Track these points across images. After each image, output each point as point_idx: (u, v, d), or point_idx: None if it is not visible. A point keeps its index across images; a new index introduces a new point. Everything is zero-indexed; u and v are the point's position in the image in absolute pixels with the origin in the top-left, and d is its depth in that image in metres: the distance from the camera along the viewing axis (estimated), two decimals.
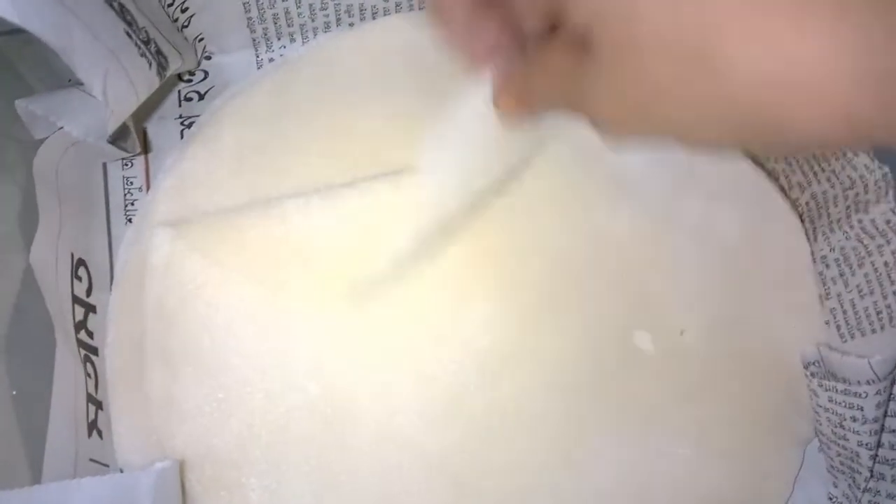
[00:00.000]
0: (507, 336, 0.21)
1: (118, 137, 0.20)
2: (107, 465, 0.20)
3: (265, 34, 0.23)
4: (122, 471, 0.20)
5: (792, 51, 0.13)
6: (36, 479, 0.17)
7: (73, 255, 0.20)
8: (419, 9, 0.24)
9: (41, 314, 0.19)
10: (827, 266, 0.23)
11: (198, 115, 0.23)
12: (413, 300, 0.21)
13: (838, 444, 0.21)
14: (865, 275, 0.22)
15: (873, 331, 0.22)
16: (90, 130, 0.18)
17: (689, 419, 0.22)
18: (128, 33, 0.19)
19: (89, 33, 0.17)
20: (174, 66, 0.21)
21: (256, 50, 0.24)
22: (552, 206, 0.22)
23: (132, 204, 0.23)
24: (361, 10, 0.23)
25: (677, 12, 0.14)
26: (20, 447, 0.18)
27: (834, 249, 0.23)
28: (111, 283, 0.22)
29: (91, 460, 0.19)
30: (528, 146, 0.22)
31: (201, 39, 0.23)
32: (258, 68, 0.24)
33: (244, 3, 0.22)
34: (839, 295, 0.23)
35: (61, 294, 0.20)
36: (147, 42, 0.19)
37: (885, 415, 0.20)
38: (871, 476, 0.21)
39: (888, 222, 0.21)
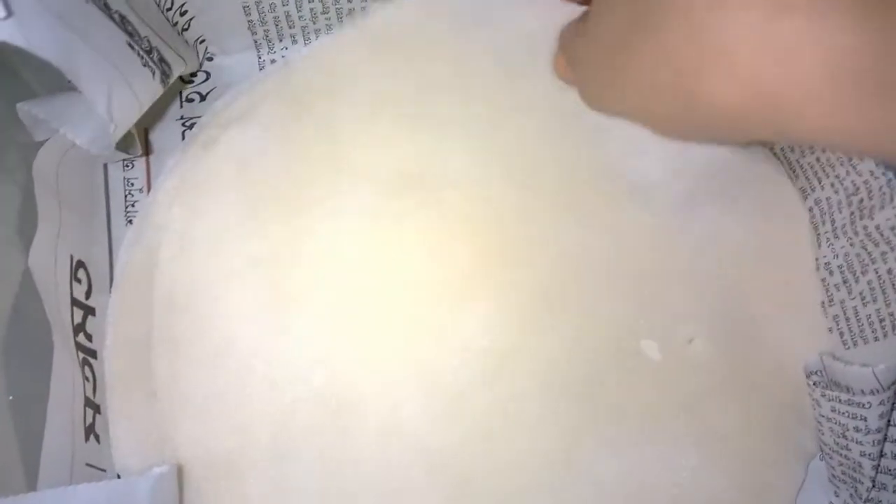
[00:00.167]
0: (510, 336, 0.21)
1: (120, 140, 0.20)
2: (104, 470, 0.20)
3: (266, 36, 0.23)
4: (119, 475, 0.20)
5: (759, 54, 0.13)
6: (31, 484, 0.17)
7: (72, 258, 0.20)
8: None
9: (39, 317, 0.18)
10: (830, 273, 0.23)
11: (199, 117, 0.23)
12: (417, 297, 0.21)
13: (840, 454, 0.21)
14: (869, 282, 0.22)
15: (876, 338, 0.21)
16: (94, 141, 0.18)
17: (691, 428, 0.22)
18: (130, 45, 0.18)
19: (93, 50, 0.17)
20: (177, 72, 0.21)
21: (258, 51, 0.24)
22: (560, 208, 0.22)
23: (133, 205, 0.23)
24: (363, 13, 0.23)
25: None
26: (16, 453, 0.18)
27: (837, 256, 0.23)
28: (111, 285, 0.22)
29: (88, 465, 0.19)
30: None
31: (202, 41, 0.23)
32: (260, 69, 0.24)
33: (244, 7, 0.22)
34: (842, 302, 0.22)
35: (60, 297, 0.20)
36: (149, 51, 0.19)
37: (888, 425, 0.20)
38: (873, 486, 0.20)
39: (893, 229, 0.21)
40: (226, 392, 0.20)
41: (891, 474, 0.20)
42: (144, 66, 0.19)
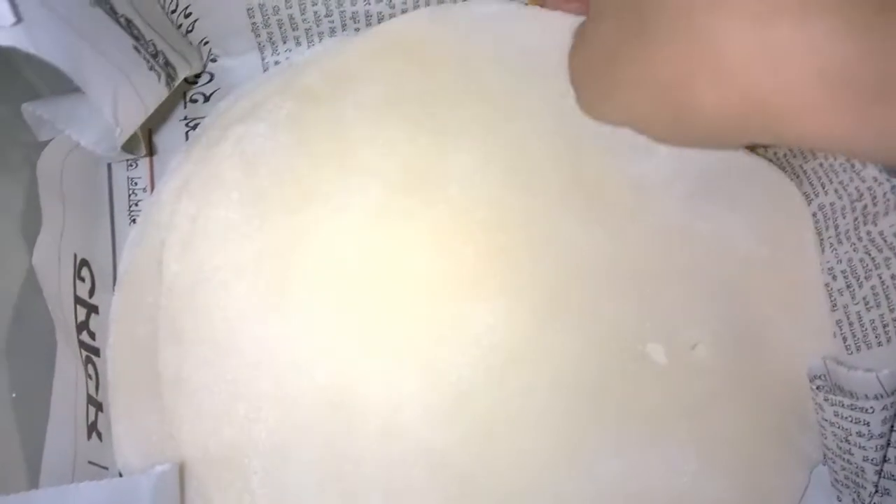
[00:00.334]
0: (516, 335, 0.21)
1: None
2: (106, 468, 0.20)
3: (270, 38, 0.23)
4: (121, 473, 0.20)
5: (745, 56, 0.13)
6: (33, 481, 0.17)
7: (76, 256, 0.21)
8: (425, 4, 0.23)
9: (42, 316, 0.19)
10: (833, 278, 0.23)
11: (203, 117, 0.23)
12: (421, 295, 0.21)
13: (843, 459, 0.21)
14: (872, 287, 0.22)
15: (879, 343, 0.21)
16: (99, 143, 0.19)
17: (694, 433, 0.22)
18: (136, 48, 0.19)
19: (99, 55, 0.17)
20: (182, 75, 0.21)
21: (262, 53, 0.24)
22: (564, 210, 0.22)
23: (136, 205, 0.23)
24: (367, 17, 0.23)
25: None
26: (18, 450, 0.18)
27: (841, 261, 0.23)
28: (114, 285, 0.22)
29: (90, 462, 0.19)
30: None
31: (206, 43, 0.23)
32: (264, 71, 0.24)
33: (248, 9, 0.22)
34: (845, 307, 0.22)
35: (63, 295, 0.20)
36: (155, 55, 0.19)
37: (891, 430, 0.20)
38: (876, 491, 0.20)
39: None
40: (229, 388, 0.21)
41: (894, 479, 0.20)
42: (150, 69, 0.19)
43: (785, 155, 0.24)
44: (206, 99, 0.24)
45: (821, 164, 0.23)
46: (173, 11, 0.21)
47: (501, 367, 0.21)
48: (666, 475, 0.21)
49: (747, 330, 0.22)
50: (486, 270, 0.22)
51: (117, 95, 0.18)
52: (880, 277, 0.21)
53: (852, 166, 0.22)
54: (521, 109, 0.22)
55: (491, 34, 0.23)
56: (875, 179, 0.21)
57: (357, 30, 0.24)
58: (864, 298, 0.22)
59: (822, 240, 0.23)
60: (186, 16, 0.22)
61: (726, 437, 0.22)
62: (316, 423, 0.20)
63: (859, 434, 0.20)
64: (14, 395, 0.18)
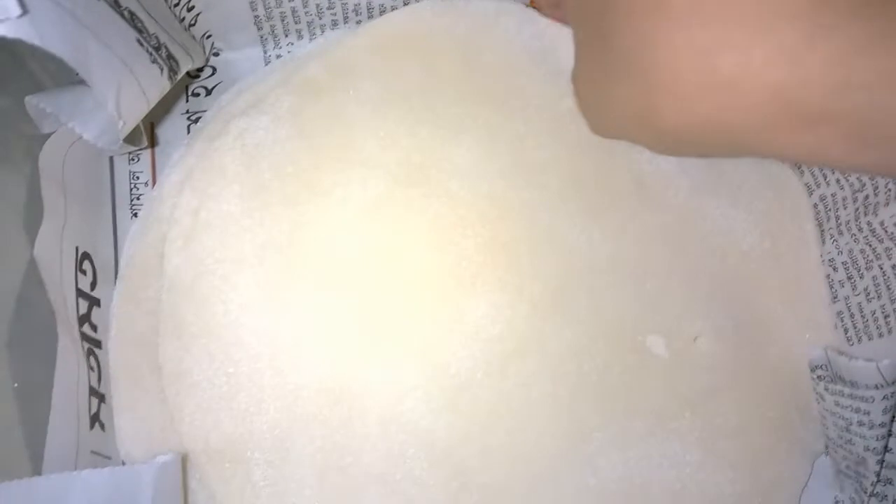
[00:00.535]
0: (517, 328, 0.21)
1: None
2: (109, 458, 0.20)
3: (272, 31, 0.23)
4: (123, 463, 0.20)
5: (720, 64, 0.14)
6: (36, 470, 0.18)
7: (77, 249, 0.21)
8: None
9: (44, 307, 0.19)
10: (834, 269, 0.23)
11: (205, 111, 0.24)
12: (423, 288, 0.21)
13: (844, 449, 0.21)
14: (873, 278, 0.22)
15: (880, 335, 0.21)
16: (101, 135, 0.19)
17: (696, 425, 0.22)
18: (139, 41, 0.19)
19: (103, 47, 0.17)
20: (184, 68, 0.21)
21: (264, 47, 0.24)
22: (565, 205, 0.22)
23: (138, 198, 0.23)
24: (369, 9, 0.23)
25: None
26: (21, 439, 0.18)
27: (842, 252, 0.23)
28: (116, 277, 0.22)
29: (93, 452, 0.19)
30: None
31: (209, 36, 0.23)
32: (266, 65, 0.24)
33: (251, 3, 0.22)
34: (846, 298, 0.22)
35: (65, 287, 0.20)
36: (158, 48, 0.20)
37: (892, 420, 0.20)
38: (878, 480, 0.20)
39: None
40: (230, 381, 0.21)
41: (895, 469, 0.20)
42: (153, 62, 0.19)
43: None
44: (209, 92, 0.24)
45: None
46: (176, 5, 0.21)
47: (502, 360, 0.21)
48: (668, 467, 0.21)
49: (748, 322, 0.22)
50: (486, 264, 0.22)
51: (120, 88, 0.18)
52: (881, 268, 0.21)
53: None
54: (520, 107, 0.23)
55: (492, 31, 0.23)
56: None
57: (359, 22, 0.24)
58: (864, 289, 0.22)
59: (823, 231, 0.23)
60: (189, 9, 0.22)
61: (728, 429, 0.22)
62: (316, 416, 0.20)
63: (860, 423, 0.20)
64: (16, 385, 0.18)
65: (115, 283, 0.22)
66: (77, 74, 0.18)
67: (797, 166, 0.24)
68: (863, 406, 0.20)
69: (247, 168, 0.22)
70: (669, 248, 0.22)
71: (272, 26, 0.23)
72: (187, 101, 0.24)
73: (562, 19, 0.22)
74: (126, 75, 0.18)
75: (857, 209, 0.22)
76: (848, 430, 0.20)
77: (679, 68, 0.14)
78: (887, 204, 0.21)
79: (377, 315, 0.21)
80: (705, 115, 0.14)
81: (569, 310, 0.22)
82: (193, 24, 0.22)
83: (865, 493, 0.21)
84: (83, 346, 0.20)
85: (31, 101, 0.19)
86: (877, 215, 0.21)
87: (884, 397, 0.19)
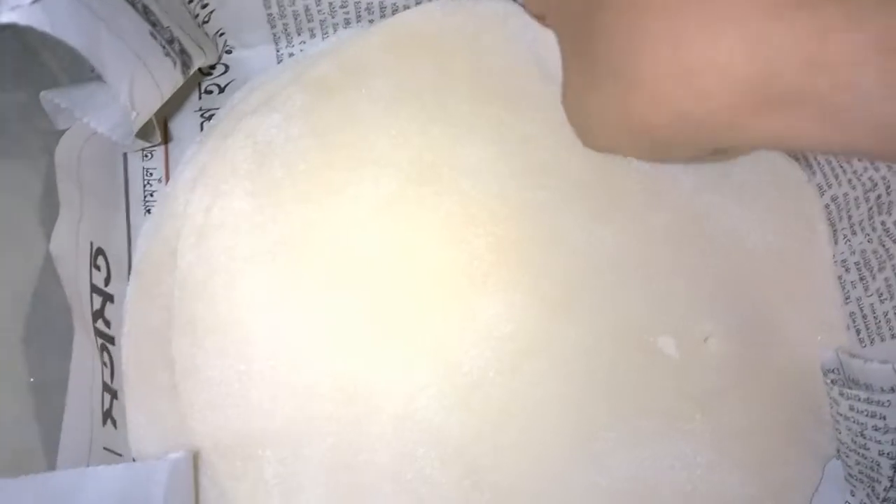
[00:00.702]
0: (528, 327, 0.21)
1: (140, 129, 0.21)
2: (120, 455, 0.20)
3: (285, 29, 0.23)
4: (134, 460, 0.20)
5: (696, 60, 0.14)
6: (51, 465, 0.18)
7: (92, 245, 0.21)
8: None
9: (60, 302, 0.19)
10: (847, 270, 0.23)
11: (217, 108, 0.24)
12: (435, 286, 0.21)
13: (858, 453, 0.21)
14: (886, 279, 0.21)
15: (893, 336, 0.21)
16: (115, 128, 0.19)
17: (706, 426, 0.21)
18: (152, 34, 0.19)
19: (116, 38, 0.17)
20: (197, 63, 0.21)
21: (277, 45, 0.24)
22: (580, 202, 0.22)
23: (151, 195, 0.23)
24: (382, 8, 0.23)
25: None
26: (36, 434, 0.18)
27: (854, 252, 0.22)
28: (129, 274, 0.22)
29: (105, 448, 0.19)
30: None
31: (222, 34, 0.23)
32: (278, 63, 0.24)
33: (264, 1, 0.22)
34: (858, 299, 0.22)
35: (80, 283, 0.20)
36: (171, 42, 0.20)
37: None
38: (892, 485, 0.20)
39: None
40: (243, 379, 0.21)
41: None
42: (166, 55, 0.19)
43: None
44: (221, 90, 0.24)
45: (835, 155, 0.23)
46: (190, 1, 0.21)
47: (513, 358, 0.21)
48: (678, 468, 0.21)
49: (759, 323, 0.22)
50: (498, 263, 0.22)
51: (133, 79, 0.18)
52: (894, 269, 0.21)
53: None
54: (528, 106, 0.23)
55: (500, 32, 0.23)
56: (890, 168, 0.21)
57: (371, 21, 0.24)
58: (877, 290, 0.22)
59: (835, 231, 0.23)
60: (203, 6, 0.22)
61: (739, 431, 0.22)
62: (328, 414, 0.20)
63: (875, 428, 0.20)
64: (32, 380, 0.18)
65: (128, 278, 0.22)
66: (92, 70, 0.18)
67: (809, 165, 0.24)
68: (878, 410, 0.19)
69: (258, 166, 0.22)
70: (679, 248, 0.22)
71: (285, 24, 0.23)
72: (200, 98, 0.24)
73: (550, 27, 0.23)
74: (139, 67, 0.18)
75: (871, 208, 0.22)
76: (862, 435, 0.20)
77: (649, 64, 0.15)
78: None
79: (389, 313, 0.21)
80: (677, 110, 0.15)
81: (580, 309, 0.22)
82: (207, 21, 0.22)
83: (878, 497, 0.20)
84: (97, 342, 0.20)
85: (46, 96, 0.19)
86: (890, 214, 0.21)
87: None
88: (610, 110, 0.16)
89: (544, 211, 0.22)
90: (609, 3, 0.16)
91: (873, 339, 0.22)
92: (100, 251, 0.21)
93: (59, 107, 0.19)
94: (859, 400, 0.20)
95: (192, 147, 0.23)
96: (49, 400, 0.18)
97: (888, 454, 0.20)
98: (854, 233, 0.22)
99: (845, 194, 0.23)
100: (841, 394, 0.21)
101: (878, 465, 0.20)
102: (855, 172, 0.22)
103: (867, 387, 0.20)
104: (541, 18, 0.23)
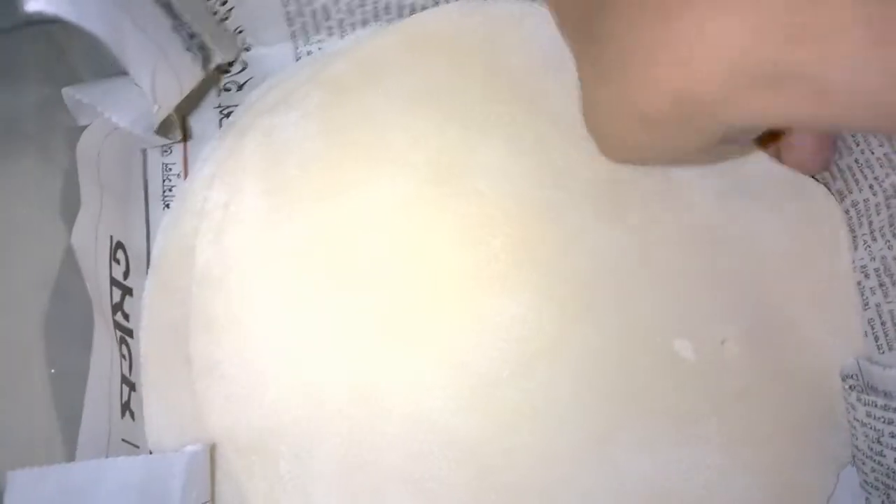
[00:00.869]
0: (543, 329, 0.21)
1: (160, 125, 0.21)
2: (137, 446, 0.20)
3: (303, 28, 0.24)
4: (151, 452, 0.21)
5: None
6: (70, 456, 0.18)
7: (111, 238, 0.21)
8: None
9: (81, 294, 0.19)
10: (866, 276, 0.22)
11: (236, 105, 0.24)
12: (450, 286, 0.21)
13: (874, 460, 0.21)
14: None
15: None
16: (136, 122, 0.19)
17: (723, 430, 0.21)
18: (174, 28, 0.19)
19: (139, 30, 0.17)
20: (217, 60, 0.21)
21: (295, 43, 0.24)
22: (596, 203, 0.22)
23: (170, 190, 0.23)
24: (400, 8, 0.23)
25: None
26: (56, 424, 0.18)
27: (874, 259, 0.22)
28: (147, 268, 0.22)
29: (123, 440, 0.19)
30: None
31: (240, 31, 0.23)
32: (296, 61, 0.24)
33: None
34: (878, 305, 0.22)
35: (100, 276, 0.20)
36: (192, 36, 0.20)
37: None
38: None
39: None
40: (258, 377, 0.21)
41: None
42: (187, 50, 0.19)
43: None
44: (240, 87, 0.24)
45: (856, 160, 0.22)
46: None
47: (528, 360, 0.21)
48: (693, 472, 0.21)
49: (776, 327, 0.22)
50: (514, 264, 0.22)
51: (155, 72, 0.18)
52: None
53: (889, 161, 0.21)
54: (543, 107, 0.23)
55: (515, 32, 0.23)
56: None
57: (389, 21, 0.24)
58: None
59: (855, 237, 0.23)
60: (223, 3, 0.22)
61: (755, 435, 0.21)
62: (342, 413, 0.21)
63: (892, 435, 0.20)
64: (53, 371, 0.18)
65: (146, 273, 0.22)
66: (114, 66, 0.18)
67: (829, 171, 0.23)
68: None
69: (274, 164, 0.22)
70: (695, 251, 0.22)
71: (303, 23, 0.23)
72: (219, 95, 0.24)
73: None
74: (161, 60, 0.18)
75: (892, 214, 0.22)
76: (879, 442, 0.20)
77: (646, 48, 0.15)
78: None
79: (403, 313, 0.21)
80: (675, 91, 0.15)
81: (595, 311, 0.22)
82: (226, 19, 0.23)
83: None
84: (116, 335, 0.20)
85: (67, 92, 0.20)
86: None
87: None
88: (618, 102, 0.16)
89: (561, 211, 0.22)
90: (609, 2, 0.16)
91: (892, 346, 0.22)
92: (119, 245, 0.21)
93: (81, 102, 0.20)
94: (877, 406, 0.20)
95: (211, 144, 0.23)
96: (69, 391, 0.18)
97: None
98: (874, 239, 0.22)
99: (866, 200, 0.22)
100: (859, 399, 0.21)
101: (894, 472, 0.20)
102: (876, 178, 0.22)
103: (885, 394, 0.20)
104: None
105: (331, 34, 0.24)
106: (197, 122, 0.24)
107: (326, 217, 0.22)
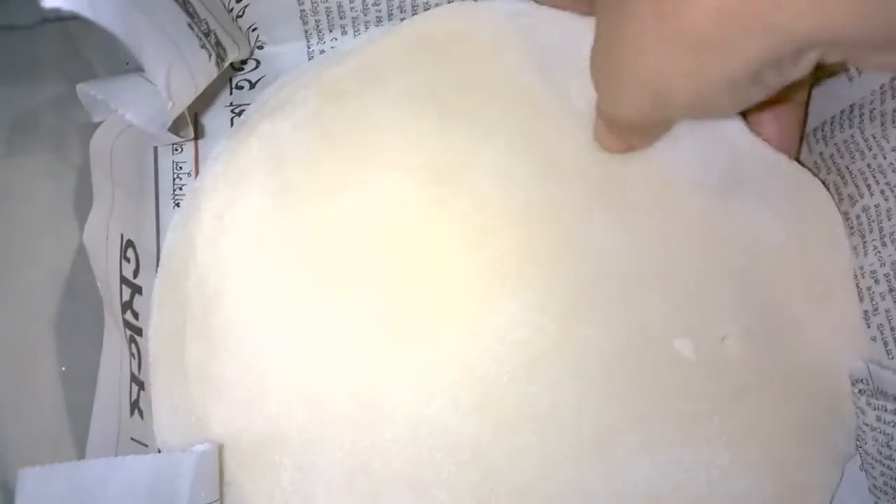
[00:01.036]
0: (546, 330, 0.21)
1: (172, 123, 0.21)
2: (146, 445, 0.20)
3: (317, 26, 0.24)
4: (159, 451, 0.20)
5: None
6: (80, 454, 0.18)
7: (122, 237, 0.21)
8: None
9: (92, 292, 0.19)
10: (876, 281, 0.23)
11: (248, 104, 0.24)
12: (451, 288, 0.21)
13: (883, 465, 0.21)
14: None
15: None
16: (150, 120, 0.19)
17: (724, 429, 0.21)
18: (190, 25, 0.19)
19: (155, 27, 0.17)
20: (231, 57, 0.21)
21: (308, 41, 0.24)
22: (597, 203, 0.22)
23: (180, 189, 0.23)
24: (414, 6, 0.23)
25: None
26: (66, 423, 0.18)
27: (885, 264, 0.22)
28: (157, 266, 0.22)
29: (132, 439, 0.19)
30: None
31: (254, 29, 0.23)
32: (309, 59, 0.24)
33: None
34: (887, 311, 0.22)
35: (110, 274, 0.20)
36: (207, 34, 0.20)
37: None
38: None
39: None
40: (258, 385, 0.21)
41: None
42: (202, 47, 0.19)
43: (832, 155, 0.24)
44: (252, 86, 0.24)
45: (868, 165, 0.22)
46: None
47: (530, 362, 0.21)
48: (696, 471, 0.21)
49: (776, 325, 0.22)
50: (515, 265, 0.21)
51: (171, 69, 0.18)
52: None
53: None
54: (543, 107, 0.23)
55: (516, 32, 0.23)
56: None
57: (402, 19, 0.24)
58: None
59: (865, 242, 0.23)
60: (238, 0, 0.22)
61: (757, 433, 0.21)
62: (344, 419, 0.20)
63: None
64: (63, 368, 0.18)
65: (156, 271, 0.22)
66: (128, 64, 0.18)
67: (840, 175, 0.23)
68: None
69: (275, 167, 0.22)
70: (695, 249, 0.22)
71: (317, 21, 0.23)
72: (231, 94, 0.24)
73: (574, 7, 0.23)
74: (176, 57, 0.18)
75: None
76: (888, 446, 0.20)
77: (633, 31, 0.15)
78: None
79: (404, 316, 0.21)
80: (720, 7, 0.14)
81: (597, 312, 0.22)
82: (241, 16, 0.23)
83: None
84: (126, 333, 0.20)
85: (82, 88, 0.19)
86: None
87: None
88: (655, 26, 0.16)
89: (563, 212, 0.22)
90: None
91: None
92: (129, 243, 0.21)
93: (95, 99, 0.19)
94: (886, 411, 0.20)
95: (221, 143, 0.23)
96: (79, 389, 0.18)
97: None
98: (884, 244, 0.22)
99: (877, 205, 0.22)
100: (868, 404, 0.21)
101: None
102: (888, 184, 0.22)
103: (895, 398, 0.20)
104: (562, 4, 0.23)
105: (344, 33, 0.24)
106: (209, 120, 0.24)
107: (327, 220, 0.22)
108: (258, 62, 0.24)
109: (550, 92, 0.23)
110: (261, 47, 0.24)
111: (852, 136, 0.23)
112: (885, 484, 0.21)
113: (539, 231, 0.22)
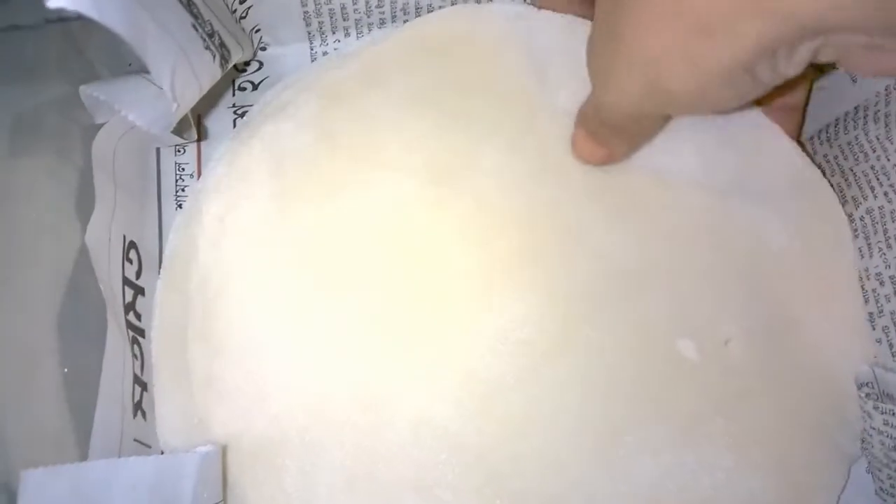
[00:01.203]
0: (548, 331, 0.21)
1: (175, 124, 0.21)
2: (149, 446, 0.20)
3: (320, 28, 0.24)
4: (162, 452, 0.20)
5: None
6: (83, 455, 0.18)
7: (124, 238, 0.21)
8: (476, 1, 0.24)
9: (95, 294, 0.19)
10: (881, 283, 0.22)
11: (251, 105, 0.24)
12: (452, 289, 0.21)
13: (890, 468, 0.20)
14: None
15: None
16: (154, 121, 0.19)
17: (729, 430, 0.21)
18: (194, 26, 0.19)
19: (160, 28, 0.17)
20: (235, 58, 0.21)
21: (311, 43, 0.24)
22: (594, 208, 0.22)
23: (183, 190, 0.23)
24: (417, 8, 0.23)
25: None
26: (69, 423, 0.18)
27: (889, 266, 0.22)
28: (160, 267, 0.22)
29: (135, 440, 0.19)
30: None
31: (258, 31, 0.23)
32: (312, 61, 0.24)
33: None
34: (892, 313, 0.22)
35: (112, 275, 0.20)
36: (211, 35, 0.20)
37: None
38: None
39: None
40: (259, 387, 0.20)
41: None
42: (206, 48, 0.19)
43: (836, 157, 0.24)
44: (255, 87, 0.24)
45: (872, 167, 0.22)
46: None
47: (533, 364, 0.21)
48: (700, 473, 0.21)
49: (780, 325, 0.22)
50: (517, 266, 0.21)
51: (175, 70, 0.18)
52: None
53: None
54: (542, 108, 0.23)
55: (515, 34, 0.23)
56: None
57: (406, 21, 0.24)
58: None
59: (869, 244, 0.23)
60: (242, 1, 0.22)
61: (760, 434, 0.21)
62: (346, 422, 0.20)
63: None
64: (66, 369, 0.18)
65: (158, 272, 0.22)
66: (131, 65, 0.18)
67: (844, 177, 0.23)
68: None
69: (275, 169, 0.22)
70: (698, 250, 0.22)
71: (321, 23, 0.23)
72: (234, 95, 0.24)
73: (570, 10, 0.23)
74: (181, 58, 0.18)
75: None
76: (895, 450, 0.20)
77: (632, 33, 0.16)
78: None
79: (405, 317, 0.21)
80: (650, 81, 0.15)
81: (599, 312, 0.21)
82: (244, 17, 0.23)
83: None
84: (128, 334, 0.20)
85: (85, 90, 0.19)
86: None
87: None
88: (667, 11, 0.16)
89: (564, 213, 0.22)
90: None
91: None
92: (132, 244, 0.21)
93: (98, 100, 0.19)
94: (893, 414, 0.20)
95: (224, 144, 0.23)
96: (82, 390, 0.18)
97: None
98: (889, 246, 0.22)
99: (881, 207, 0.22)
100: (875, 408, 0.21)
101: None
102: (892, 186, 0.22)
103: None
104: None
105: (347, 35, 0.24)
106: (212, 121, 0.24)
107: (328, 220, 0.22)
108: (261, 64, 0.24)
109: (551, 93, 0.23)
110: (264, 49, 0.24)
111: (856, 138, 0.23)
112: (892, 487, 0.21)
113: (540, 231, 0.22)
